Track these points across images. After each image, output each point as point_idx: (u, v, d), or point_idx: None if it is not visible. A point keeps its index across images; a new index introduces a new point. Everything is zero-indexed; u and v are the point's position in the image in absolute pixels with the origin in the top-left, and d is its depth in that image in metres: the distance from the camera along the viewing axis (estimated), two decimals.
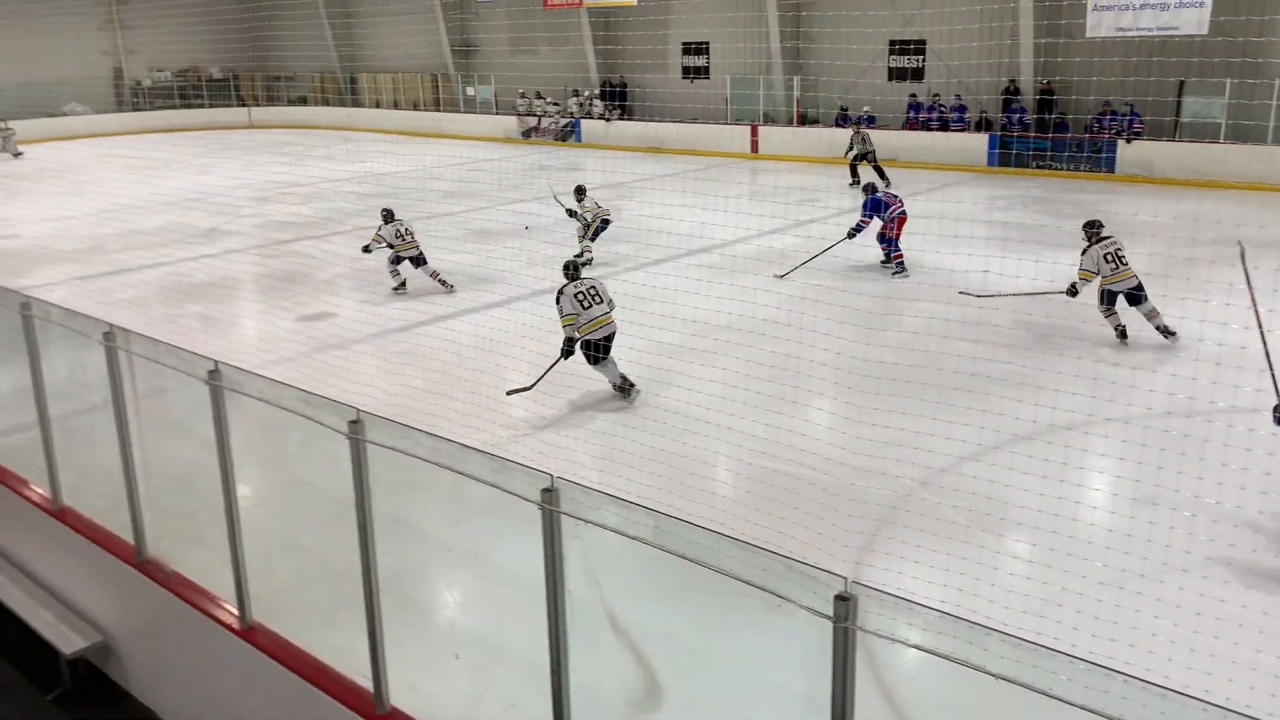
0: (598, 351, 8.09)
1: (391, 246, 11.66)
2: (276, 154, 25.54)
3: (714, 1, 24.92)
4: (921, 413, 7.36)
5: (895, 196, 12.00)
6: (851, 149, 18.14)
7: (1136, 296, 9.00)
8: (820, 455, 6.94)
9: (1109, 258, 9.03)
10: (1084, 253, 9.13)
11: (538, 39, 28.72)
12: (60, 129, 31.33)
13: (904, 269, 11.69)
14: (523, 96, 28.72)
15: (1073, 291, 9.21)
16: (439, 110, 31.55)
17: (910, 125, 21.55)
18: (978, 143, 20.12)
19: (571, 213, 12.76)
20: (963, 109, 21.03)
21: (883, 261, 11.92)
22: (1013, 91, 20.45)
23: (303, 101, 35.53)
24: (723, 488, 6.64)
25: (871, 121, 21.88)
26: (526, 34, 28.80)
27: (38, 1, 31.47)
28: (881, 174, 17.79)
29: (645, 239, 14.22)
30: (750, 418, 7.55)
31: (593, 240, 12.80)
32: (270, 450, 5.68)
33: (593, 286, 8.23)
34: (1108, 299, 9.09)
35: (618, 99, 27.20)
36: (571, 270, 8.37)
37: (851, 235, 11.76)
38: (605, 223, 12.89)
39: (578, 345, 8.08)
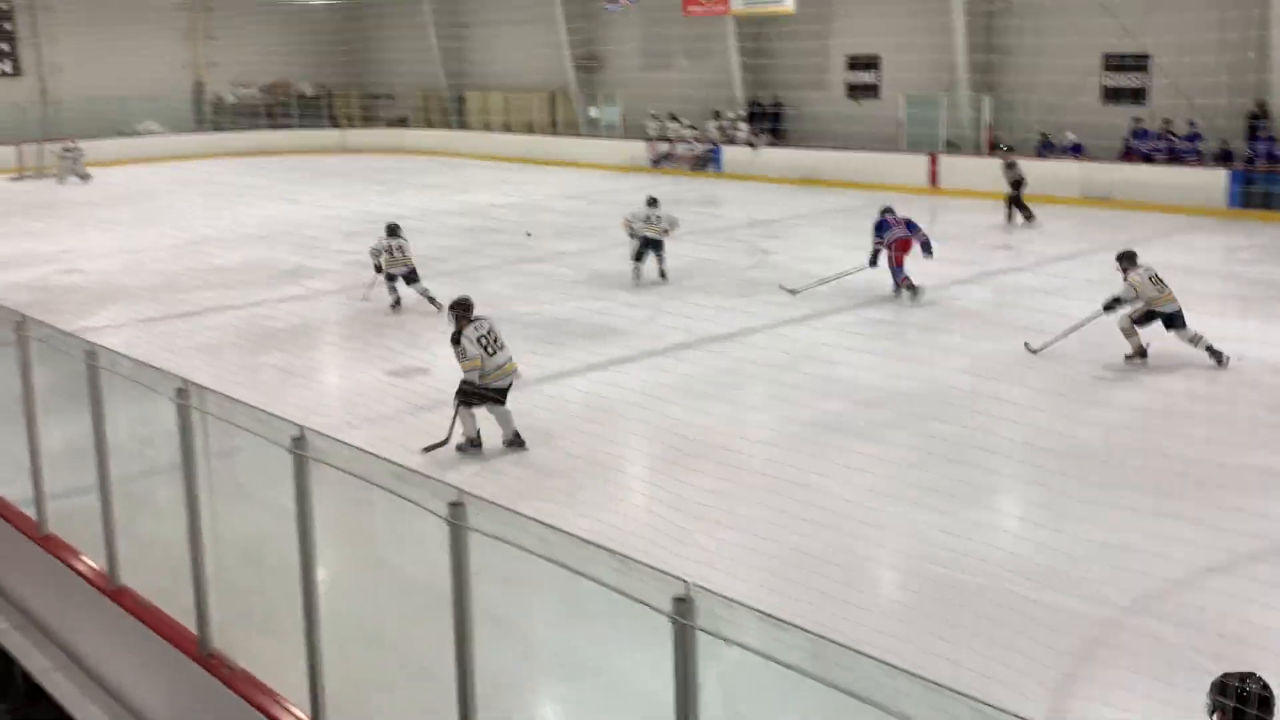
0: (500, 398, 8.65)
1: (378, 269, 13.87)
2: (371, 182, 26.67)
3: (886, 8, 24.92)
4: (1139, 508, 6.99)
5: (900, 220, 13.49)
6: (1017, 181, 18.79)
7: (1173, 320, 10.44)
8: (1009, 562, 6.65)
9: (1155, 280, 10.55)
10: (1127, 274, 10.57)
11: (674, 52, 29.27)
12: (133, 150, 33.51)
13: (915, 289, 13.32)
14: (654, 118, 29.23)
15: (1110, 306, 10.62)
16: (556, 134, 32.41)
17: (1130, 156, 20.92)
18: (1215, 179, 19.37)
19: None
20: (1196, 137, 20.30)
21: (893, 289, 13.49)
22: (1260, 116, 19.63)
23: (402, 123, 37.10)
24: (886, 600, 6.42)
25: (1079, 151, 21.33)
26: (661, 46, 29.41)
27: (113, 7, 33.90)
28: (1024, 210, 18.59)
29: (802, 293, 14.12)
30: (923, 511, 7.31)
31: (637, 259, 14.67)
32: (354, 526, 5.79)
33: (492, 329, 8.87)
34: (1145, 318, 10.51)
35: (767, 121, 27.39)
36: (460, 310, 8.95)
37: (872, 263, 13.53)
38: (647, 239, 14.62)
39: (488, 388, 8.72)
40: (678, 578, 3.46)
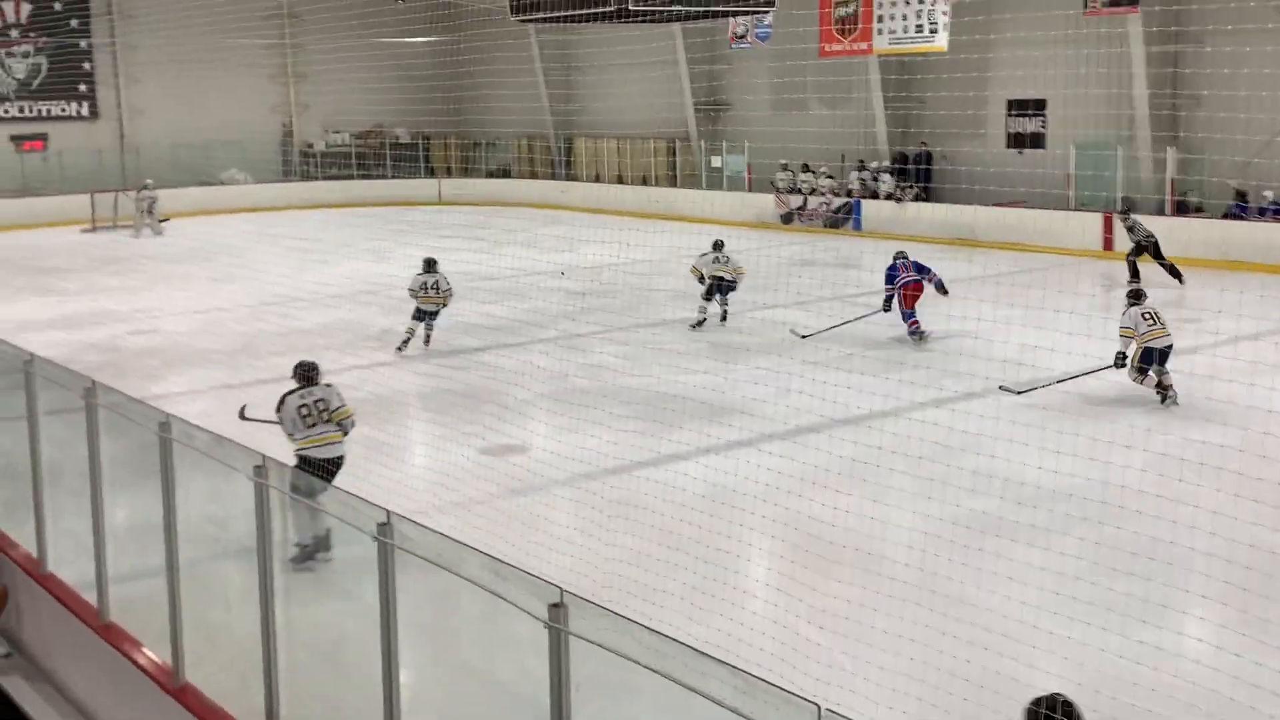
0: (319, 473, 8.47)
1: (414, 297, 15.56)
2: (469, 238, 27.30)
3: (1055, 46, 24.78)
4: None
5: (909, 264, 15.77)
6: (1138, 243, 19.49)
7: (1165, 356, 12.47)
8: (1195, 696, 6.39)
9: (1146, 315, 12.64)
10: (1124, 314, 12.74)
11: (809, 95, 29.51)
12: (214, 200, 34.94)
13: (922, 335, 15.47)
14: (785, 169, 29.43)
15: (1120, 361, 12.56)
16: (675, 185, 32.85)
17: None
18: None
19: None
20: None
21: (910, 335, 15.55)
22: None
23: (504, 173, 38.04)
24: None
25: None
26: (794, 89, 29.68)
27: (198, 46, 35.51)
28: (1174, 272, 19.08)
29: (947, 364, 13.97)
30: (1092, 631, 7.09)
31: (707, 299, 16.79)
32: (442, 624, 5.87)
33: (321, 400, 8.98)
34: (1144, 358, 12.52)
35: (915, 174, 27.35)
36: (301, 372, 9.23)
37: (886, 308, 15.82)
38: (723, 281, 16.68)
39: (307, 459, 8.82)
40: (809, 700, 3.43)
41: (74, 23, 36.38)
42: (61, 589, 8.02)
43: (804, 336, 15.59)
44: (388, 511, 4.94)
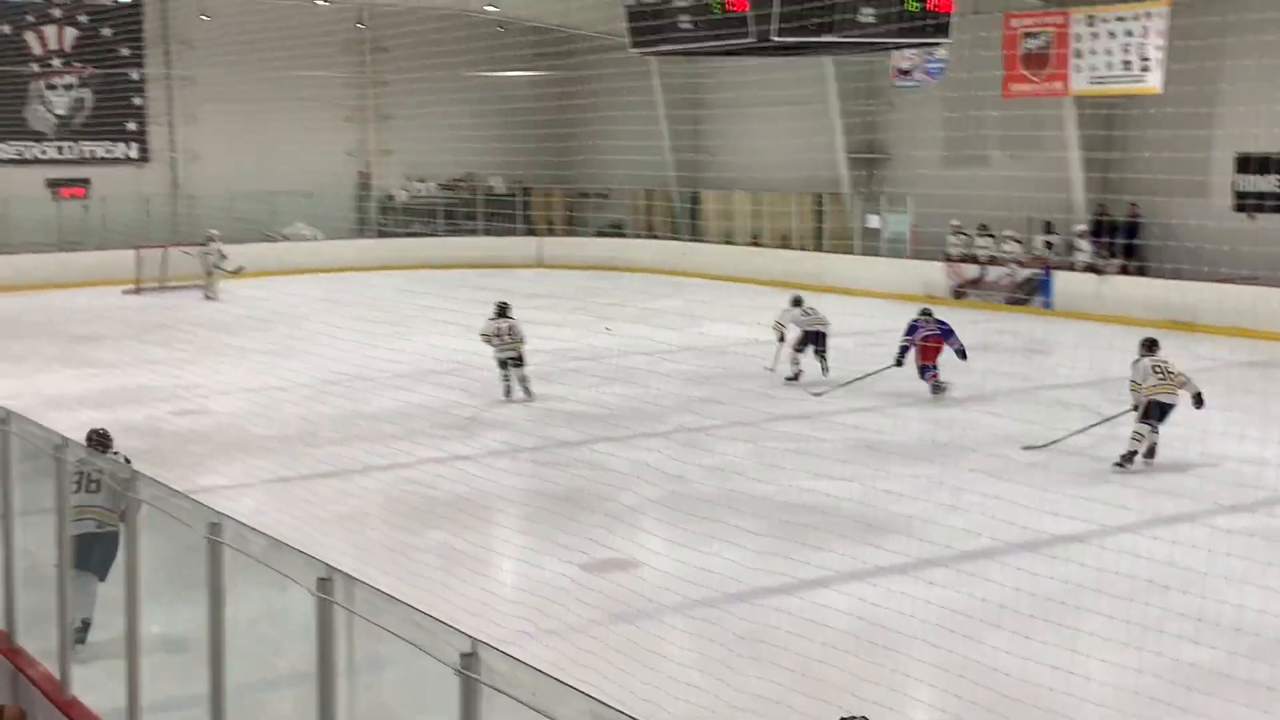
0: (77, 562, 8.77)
1: (489, 344, 18.25)
2: (574, 307, 27.63)
3: None
4: None
5: (933, 322, 18.59)
6: None
7: (1164, 411, 14.65)
8: None
9: (1156, 369, 14.76)
10: (1135, 364, 14.89)
11: (988, 144, 29.47)
12: (277, 259, 35.87)
13: (942, 387, 18.39)
14: (958, 231, 29.35)
15: (1137, 408, 14.87)
16: (821, 250, 32.92)
17: None
18: None
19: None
20: None
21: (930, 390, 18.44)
22: None
23: (618, 230, 38.50)
24: None
25: None
26: (970, 135, 29.68)
27: (266, 81, 36.63)
28: None
29: (1159, 481, 13.71)
30: None
31: (799, 349, 19.75)
32: None
33: (93, 475, 9.18)
34: (1152, 413, 14.61)
35: (1119, 239, 27.06)
36: (90, 441, 9.78)
37: (899, 362, 18.56)
38: (814, 334, 19.76)
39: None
40: None
41: (125, 51, 37.81)
42: (86, 718, 8.23)
43: (817, 395, 18.59)
44: (472, 639, 5.02)
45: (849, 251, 32.09)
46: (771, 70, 30.83)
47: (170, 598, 8.29)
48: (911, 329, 18.69)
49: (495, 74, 37.96)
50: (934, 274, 29.29)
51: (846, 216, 33.00)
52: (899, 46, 27.27)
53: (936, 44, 24.10)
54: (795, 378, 19.52)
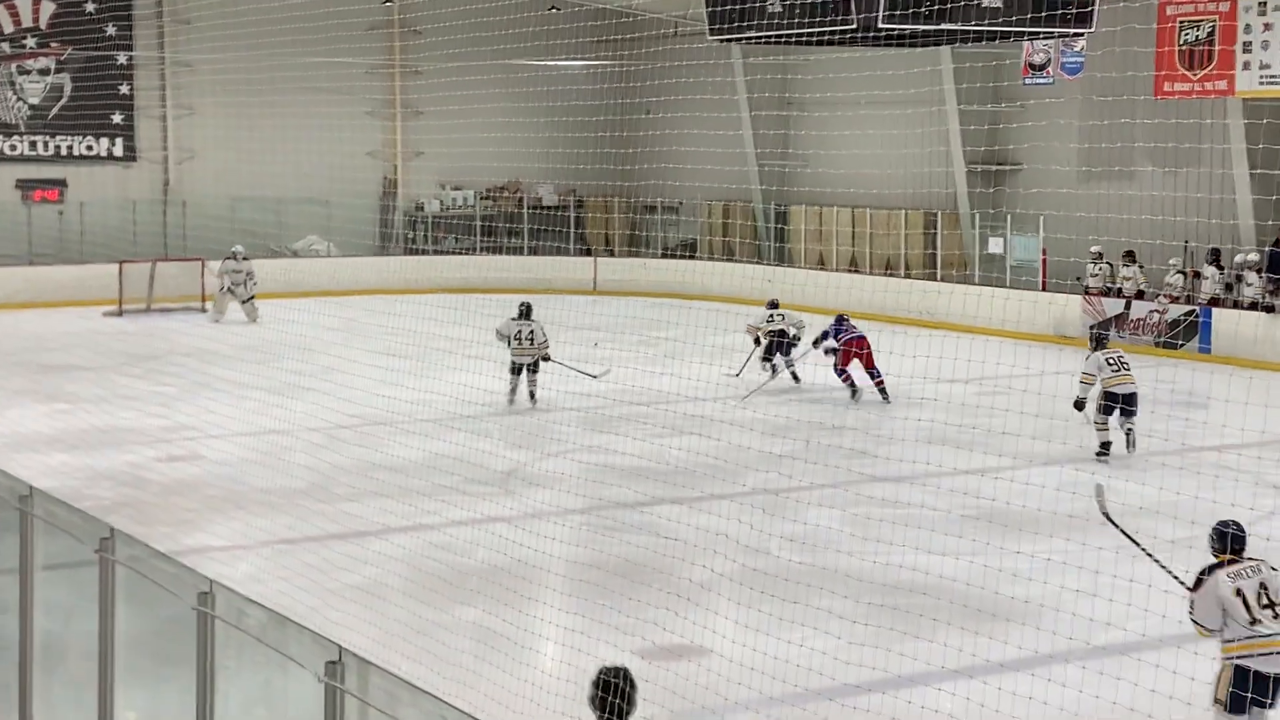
0: None
1: (504, 343, 20.52)
2: (635, 342, 27.66)
3: None
4: None
5: (854, 329, 23.25)
6: None
7: (1129, 409, 18.40)
8: None
9: (1110, 361, 18.42)
10: (1086, 359, 18.70)
11: (1136, 155, 29.34)
12: (285, 278, 36.03)
13: (856, 390, 22.84)
14: (1099, 260, 29.20)
15: (1079, 405, 18.71)
16: (934, 278, 32.85)
17: None
18: None
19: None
20: None
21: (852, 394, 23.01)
22: None
23: (689, 250, 38.55)
24: None
25: None
26: (1113, 144, 29.57)
27: (273, 68, 36.89)
28: None
29: None
30: None
31: (767, 358, 23.94)
32: None
33: None
34: (1106, 406, 18.49)
35: None
36: None
37: (827, 351, 23.33)
38: (782, 337, 23.85)
39: None
40: None
41: (111, 29, 38.32)
42: None
43: (743, 399, 22.19)
44: None
45: (967, 281, 32.00)
46: (877, 64, 30.78)
47: (150, 679, 8.38)
48: (837, 331, 23.25)
49: (547, 64, 38.13)
50: (1070, 310, 29.18)
51: (964, 240, 32.93)
52: (1032, 37, 27.30)
53: (1077, 35, 24.10)
54: (769, 379, 23.71)
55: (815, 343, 23.61)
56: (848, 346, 22.88)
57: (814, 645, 11.11)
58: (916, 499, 16.14)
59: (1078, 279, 29.43)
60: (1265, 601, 9.51)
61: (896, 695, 10.40)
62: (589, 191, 39.86)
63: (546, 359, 22.31)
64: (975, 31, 17.26)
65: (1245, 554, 9.85)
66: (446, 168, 40.39)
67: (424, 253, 39.76)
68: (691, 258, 38.05)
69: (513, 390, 21.91)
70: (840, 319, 23.61)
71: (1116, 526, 11.59)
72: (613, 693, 6.67)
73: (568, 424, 20.26)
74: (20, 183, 37.56)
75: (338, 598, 12.48)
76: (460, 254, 39.34)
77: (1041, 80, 30.68)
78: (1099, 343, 19.22)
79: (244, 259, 32.88)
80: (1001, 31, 17.80)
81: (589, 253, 39.73)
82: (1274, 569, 9.92)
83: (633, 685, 6.64)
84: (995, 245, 32.04)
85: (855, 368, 22.92)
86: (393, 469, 17.63)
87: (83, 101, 38.07)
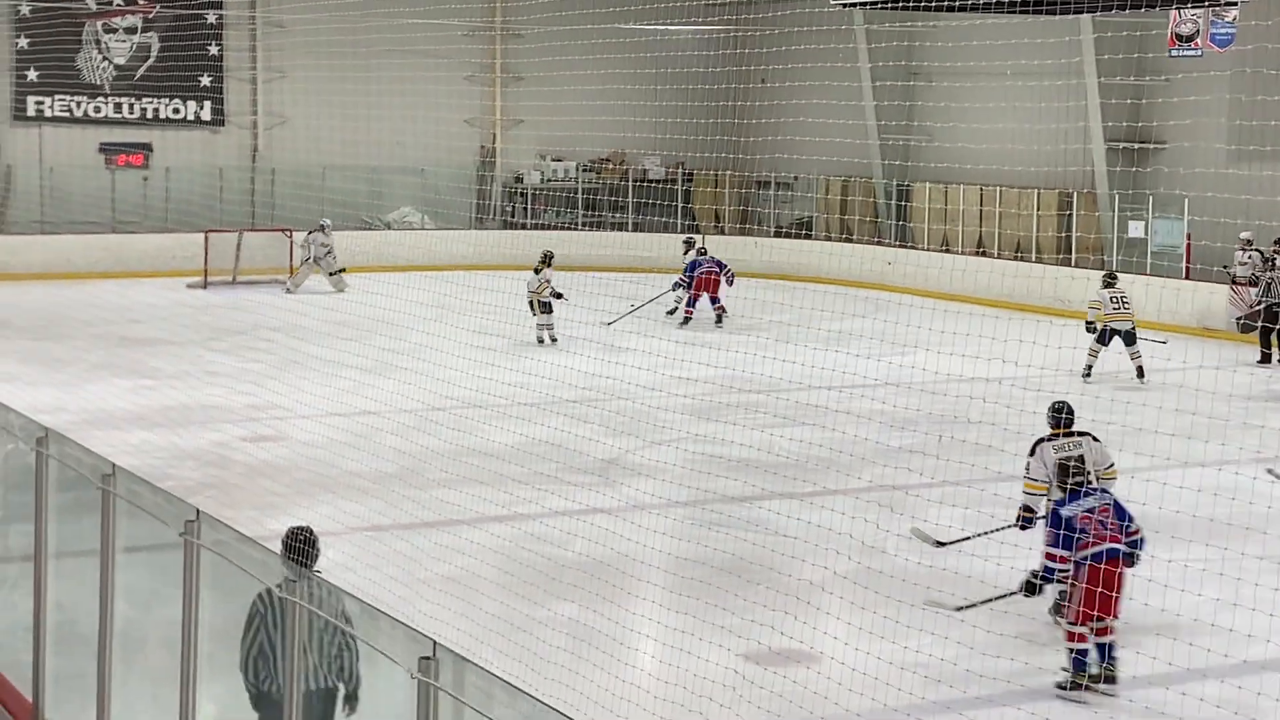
0: None
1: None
2: (742, 327, 27.62)
3: None
4: None
5: (710, 261, 30.01)
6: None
7: (1130, 338, 23.36)
8: None
9: (1114, 299, 23.37)
10: (1097, 292, 23.64)
11: None
12: (377, 252, 36.41)
13: (722, 317, 29.84)
14: (1249, 247, 28.71)
15: (1090, 328, 23.90)
16: (1069, 264, 32.50)
17: None
18: None
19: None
20: None
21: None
22: None
23: (804, 229, 38.42)
24: None
25: None
26: (1268, 124, 29.05)
27: (370, 23, 37.06)
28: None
29: None
30: None
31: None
32: None
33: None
34: (1105, 337, 23.48)
35: None
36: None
37: (676, 288, 29.89)
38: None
39: None
40: None
41: None
42: None
43: (609, 324, 26.80)
44: None
45: (1103, 267, 31.56)
46: (1010, 32, 30.53)
47: (231, 670, 8.44)
48: (693, 267, 30.22)
49: (656, 28, 38.05)
50: (1216, 300, 28.75)
51: (1102, 222, 32.54)
52: (1180, 6, 26.97)
53: (1228, 4, 23.74)
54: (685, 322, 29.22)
55: (674, 286, 30.33)
56: (705, 275, 29.88)
57: (934, 653, 11.06)
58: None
59: (1224, 267, 28.95)
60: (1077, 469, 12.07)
61: (1021, 708, 10.33)
62: (698, 165, 39.71)
63: (558, 296, 27.43)
64: None
65: (1074, 429, 13.17)
66: (547, 137, 40.48)
67: (522, 227, 39.85)
68: (806, 237, 37.94)
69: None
70: (700, 254, 30.72)
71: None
72: (301, 541, 8.43)
73: (672, 411, 20.23)
74: (104, 146, 37.98)
75: (429, 588, 12.54)
76: (560, 229, 39.39)
77: (1189, 52, 30.23)
78: (1110, 281, 24.32)
79: (331, 232, 33.18)
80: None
81: (696, 229, 39.61)
82: (1097, 440, 13.16)
83: (314, 543, 8.49)
84: (1135, 229, 31.62)
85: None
86: (488, 454, 17.71)
87: (170, 62, 38.40)
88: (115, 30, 38.46)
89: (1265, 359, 26.10)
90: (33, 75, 37.57)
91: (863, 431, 18.71)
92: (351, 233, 36.45)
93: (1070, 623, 11.15)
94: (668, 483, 16.73)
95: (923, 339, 22.85)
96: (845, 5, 18.81)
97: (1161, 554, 13.68)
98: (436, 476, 16.69)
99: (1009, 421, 19.02)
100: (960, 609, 12.56)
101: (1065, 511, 11.47)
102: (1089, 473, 12.12)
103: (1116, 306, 23.42)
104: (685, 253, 31.62)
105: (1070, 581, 11.28)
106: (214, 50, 39.04)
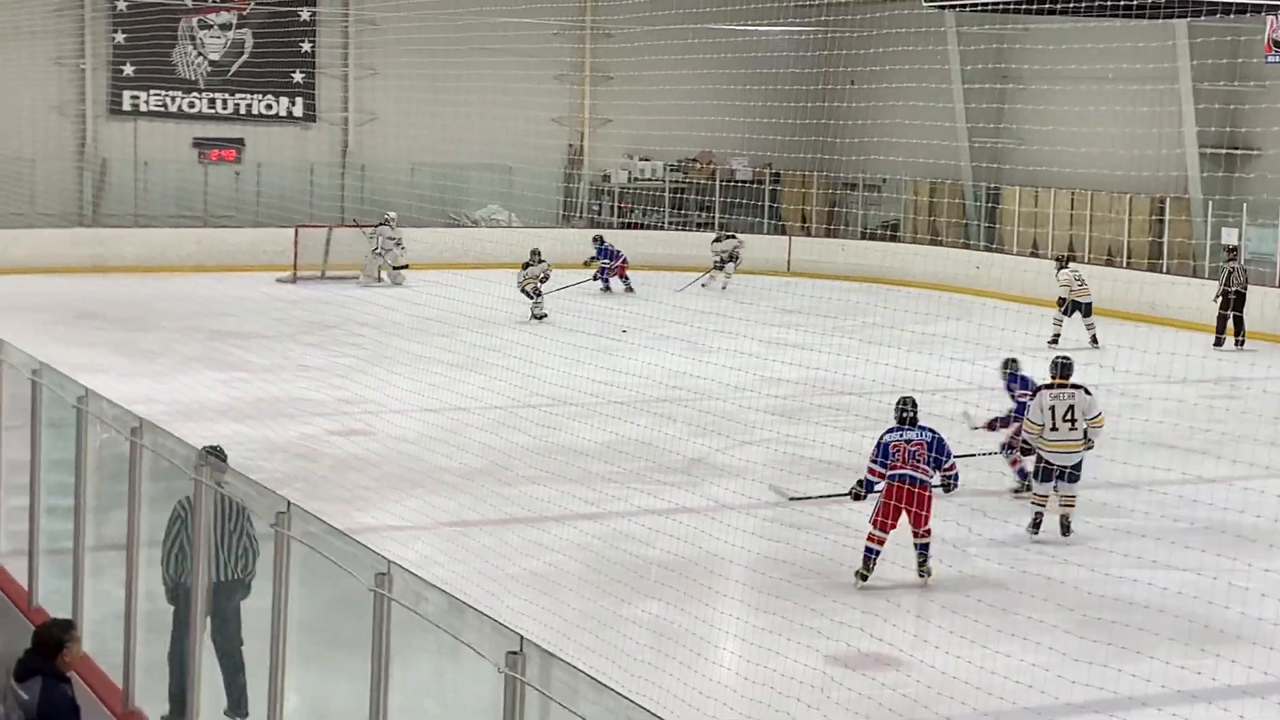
0: None
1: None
2: (826, 329, 27.39)
3: None
4: None
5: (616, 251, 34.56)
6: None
7: (1088, 309, 27.74)
8: None
9: (1077, 277, 28.12)
10: (1059, 273, 28.12)
11: None
12: (465, 249, 36.40)
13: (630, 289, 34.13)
14: None
15: (1061, 303, 28.26)
16: (1160, 269, 32.17)
17: None
18: None
19: None
20: None
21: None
22: None
23: (891, 231, 38.21)
24: None
25: None
26: None
27: (461, 21, 37.09)
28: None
29: None
30: None
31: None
32: None
33: None
34: (1069, 310, 27.89)
35: None
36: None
37: (596, 277, 34.39)
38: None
39: None
40: None
41: None
42: None
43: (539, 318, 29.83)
44: None
45: (1196, 274, 31.27)
46: (1103, 35, 30.34)
47: (317, 662, 8.44)
48: (615, 255, 34.22)
49: (746, 29, 37.98)
50: None
51: (1194, 229, 32.17)
52: (1275, 11, 26.62)
53: None
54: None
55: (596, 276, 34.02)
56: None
57: (1023, 658, 10.94)
58: (1139, 506, 15.76)
59: None
60: (1068, 417, 14.97)
61: (1113, 715, 10.17)
62: (786, 165, 39.61)
63: (544, 279, 30.08)
64: (1214, 3, 16.84)
65: (1070, 381, 15.36)
66: (635, 136, 40.45)
67: (609, 226, 39.83)
68: (894, 239, 37.70)
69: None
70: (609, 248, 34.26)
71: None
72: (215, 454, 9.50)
73: (760, 411, 20.15)
74: (198, 141, 38.33)
75: (516, 583, 12.54)
76: (647, 229, 39.40)
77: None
78: (1064, 263, 28.54)
79: (396, 225, 33.39)
80: (1243, 3, 17.35)
81: (784, 230, 39.53)
82: (1089, 394, 15.29)
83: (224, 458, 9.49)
84: (1229, 236, 31.23)
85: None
86: (576, 451, 17.71)
87: (263, 59, 38.74)
88: (210, 26, 38.80)
89: (1219, 343, 28.00)
90: (129, 70, 37.96)
91: (951, 434, 18.54)
92: (439, 230, 36.60)
93: (870, 523, 13.44)
94: (753, 482, 16.69)
95: (1011, 342, 22.65)
96: (937, 7, 18.60)
97: (1260, 563, 13.52)
98: (524, 473, 16.71)
99: (1121, 456, 18.82)
100: (794, 499, 15.86)
101: (887, 439, 13.81)
102: (1076, 420, 15.04)
103: (1081, 283, 27.63)
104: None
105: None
106: (306, 47, 39.30)
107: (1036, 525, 15.15)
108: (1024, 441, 15.47)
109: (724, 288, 35.00)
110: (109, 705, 9.64)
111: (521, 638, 6.06)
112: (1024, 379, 17.08)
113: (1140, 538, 14.30)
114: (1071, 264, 28.51)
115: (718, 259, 35.75)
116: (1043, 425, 15.04)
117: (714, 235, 36.55)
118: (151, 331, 26.48)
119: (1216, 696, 10.61)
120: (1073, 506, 15.21)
